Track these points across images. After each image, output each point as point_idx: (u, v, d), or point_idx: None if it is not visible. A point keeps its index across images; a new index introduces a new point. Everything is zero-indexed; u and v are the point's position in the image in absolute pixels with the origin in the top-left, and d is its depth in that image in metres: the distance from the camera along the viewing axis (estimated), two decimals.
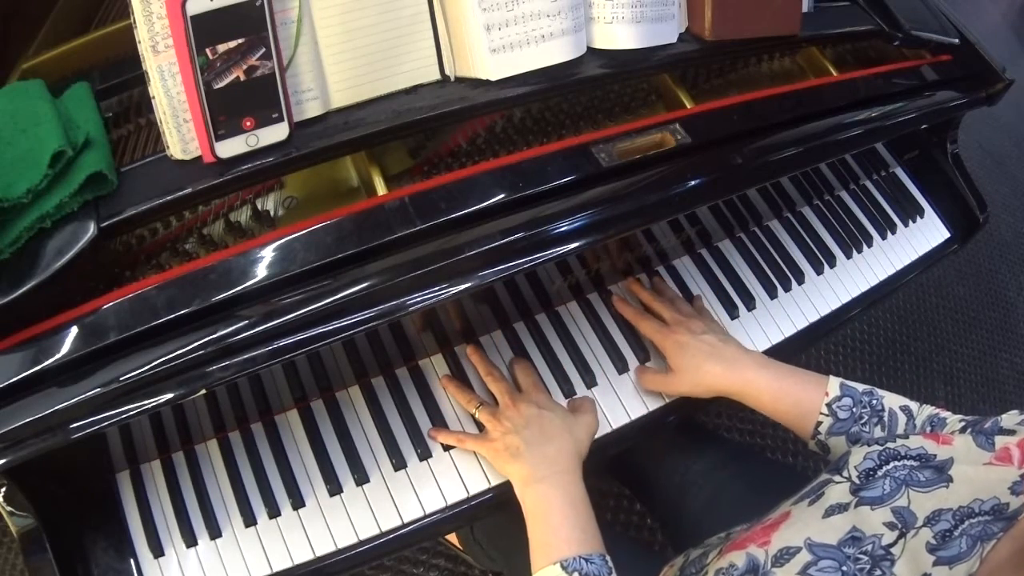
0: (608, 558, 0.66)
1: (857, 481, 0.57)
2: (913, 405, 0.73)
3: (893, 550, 0.51)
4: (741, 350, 0.80)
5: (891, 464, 0.56)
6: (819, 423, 0.74)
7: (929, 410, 0.72)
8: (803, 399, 0.75)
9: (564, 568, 0.64)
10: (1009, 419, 0.58)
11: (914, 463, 0.55)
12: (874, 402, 0.74)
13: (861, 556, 0.51)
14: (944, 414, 0.70)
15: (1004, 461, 0.52)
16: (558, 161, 0.71)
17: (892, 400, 0.74)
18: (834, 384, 0.74)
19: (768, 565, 0.54)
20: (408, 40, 0.69)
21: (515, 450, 0.72)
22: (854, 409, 0.73)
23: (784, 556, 0.53)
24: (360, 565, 0.73)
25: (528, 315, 0.86)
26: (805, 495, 0.60)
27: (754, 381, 0.76)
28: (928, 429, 0.71)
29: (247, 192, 0.73)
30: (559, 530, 0.67)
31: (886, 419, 0.73)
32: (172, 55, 0.60)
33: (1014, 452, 0.53)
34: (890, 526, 0.52)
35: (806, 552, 0.53)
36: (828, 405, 0.73)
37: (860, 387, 0.75)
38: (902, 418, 0.73)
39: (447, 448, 0.77)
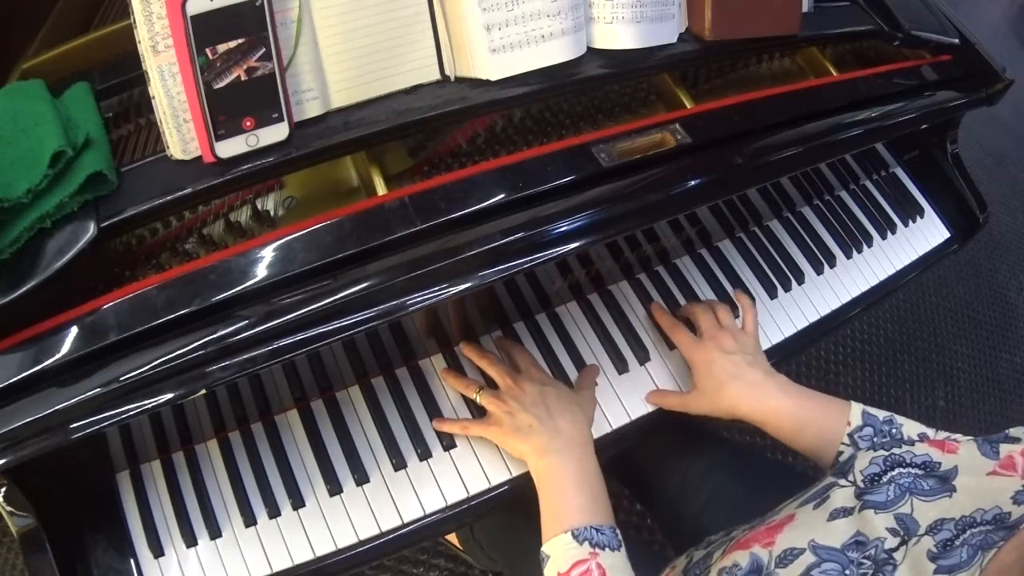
0: (618, 531, 0.66)
1: (862, 485, 0.57)
2: (930, 432, 0.71)
3: (895, 555, 0.51)
4: (767, 374, 0.77)
5: (896, 471, 0.56)
6: (840, 453, 0.71)
7: (944, 436, 0.70)
8: (825, 429, 0.72)
9: (575, 536, 0.64)
10: (1017, 431, 0.57)
11: (919, 471, 0.55)
12: (894, 431, 0.71)
13: (864, 560, 0.51)
14: (958, 439, 0.69)
15: (1008, 470, 0.52)
16: (558, 161, 0.71)
17: (911, 428, 0.72)
18: (856, 413, 0.72)
19: (772, 566, 0.54)
20: (408, 40, 0.69)
21: (527, 428, 0.72)
22: (875, 439, 0.71)
23: (788, 557, 0.54)
24: (360, 565, 0.73)
25: (528, 315, 0.86)
26: (810, 498, 0.60)
27: (776, 410, 0.74)
28: None
29: (247, 192, 0.73)
30: (572, 499, 0.67)
31: None
32: (172, 55, 0.60)
33: (1018, 460, 0.52)
34: (892, 532, 0.52)
35: (810, 554, 0.53)
36: (850, 435, 0.71)
37: (881, 415, 0.72)
38: None
39: (447, 447, 0.77)
